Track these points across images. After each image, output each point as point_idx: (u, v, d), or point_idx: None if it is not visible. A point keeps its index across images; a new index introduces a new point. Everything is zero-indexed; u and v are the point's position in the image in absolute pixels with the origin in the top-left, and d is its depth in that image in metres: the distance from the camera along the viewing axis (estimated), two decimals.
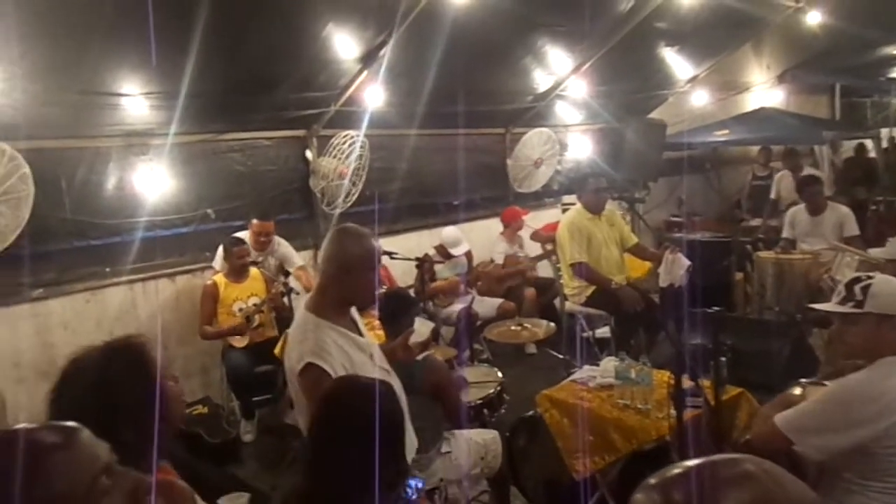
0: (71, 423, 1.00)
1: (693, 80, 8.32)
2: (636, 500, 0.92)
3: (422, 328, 2.69)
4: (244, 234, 5.15)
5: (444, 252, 6.17)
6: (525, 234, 6.92)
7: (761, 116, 8.98)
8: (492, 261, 6.50)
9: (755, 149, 9.86)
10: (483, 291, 6.32)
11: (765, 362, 4.57)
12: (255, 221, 5.14)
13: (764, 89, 9.90)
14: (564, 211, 6.54)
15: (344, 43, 4.85)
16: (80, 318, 4.61)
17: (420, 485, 2.00)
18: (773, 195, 8.11)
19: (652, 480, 0.94)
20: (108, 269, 4.71)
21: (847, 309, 2.30)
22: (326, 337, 2.40)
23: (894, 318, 2.24)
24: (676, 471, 0.94)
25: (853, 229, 5.80)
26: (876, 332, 2.27)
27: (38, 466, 0.92)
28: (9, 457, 0.92)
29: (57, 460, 0.94)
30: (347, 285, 2.47)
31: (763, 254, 5.95)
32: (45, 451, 0.94)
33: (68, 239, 4.51)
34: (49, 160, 4.30)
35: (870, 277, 2.31)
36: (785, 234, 6.16)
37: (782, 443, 2.26)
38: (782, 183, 8.02)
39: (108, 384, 1.54)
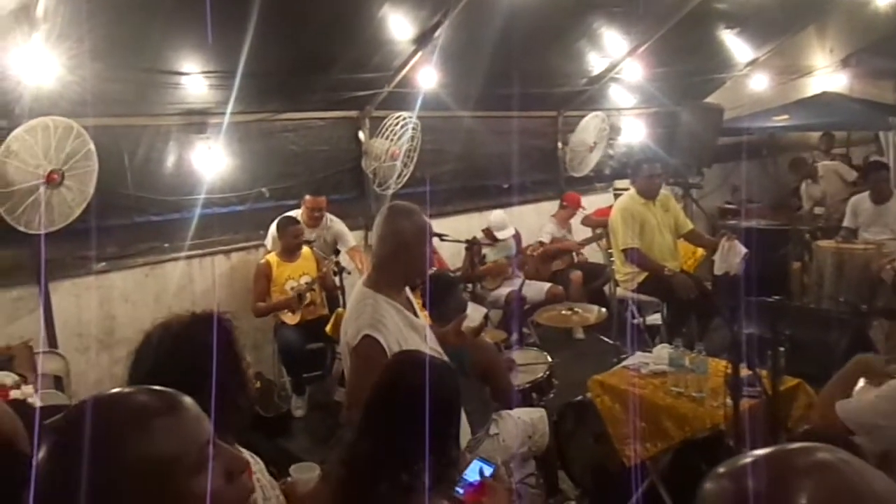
0: (175, 391, 1.00)
1: (752, 63, 8.08)
2: (707, 489, 0.90)
3: (475, 314, 2.69)
4: (297, 213, 5.23)
5: (491, 235, 6.16)
6: (576, 219, 6.86)
7: (823, 101, 8.67)
8: (541, 243, 6.46)
9: (815, 135, 9.55)
10: (529, 275, 6.29)
11: (822, 353, 4.45)
12: (308, 197, 5.22)
13: (827, 73, 9.56)
14: (617, 196, 6.45)
15: (399, 24, 4.85)
16: (140, 292, 4.75)
17: (493, 470, 1.99)
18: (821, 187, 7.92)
19: (722, 469, 0.92)
20: (166, 245, 4.84)
21: None
22: (384, 311, 2.43)
23: None
24: (747, 459, 0.91)
25: None
26: None
27: (153, 427, 0.92)
28: (122, 416, 0.93)
29: (171, 423, 0.94)
30: (402, 261, 2.50)
31: (822, 243, 5.79)
32: (159, 413, 0.95)
33: (130, 214, 4.65)
34: (113, 137, 4.43)
35: None
36: (846, 223, 5.97)
37: (842, 430, 2.23)
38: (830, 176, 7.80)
39: (193, 351, 1.56)
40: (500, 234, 6.09)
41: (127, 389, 1.00)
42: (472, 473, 1.99)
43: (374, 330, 2.36)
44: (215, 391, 1.24)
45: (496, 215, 6.21)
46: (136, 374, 1.60)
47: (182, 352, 1.57)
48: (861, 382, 2.48)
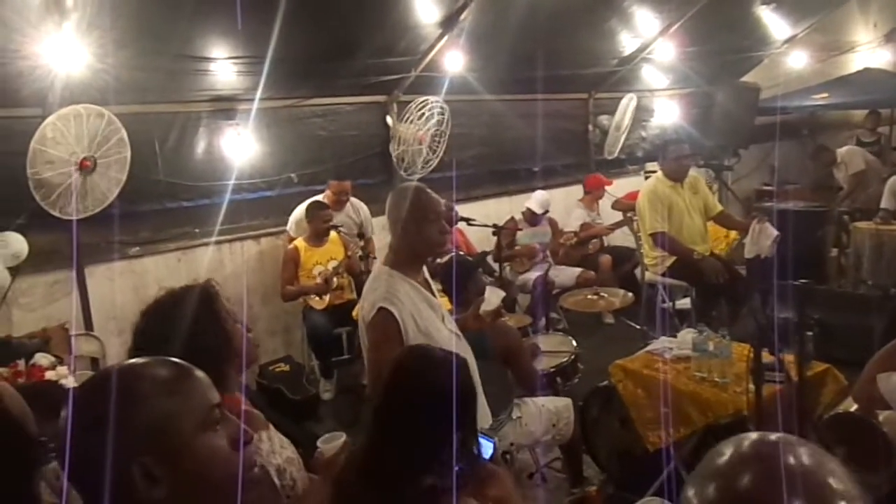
0: (186, 363, 1.11)
1: (791, 40, 7.86)
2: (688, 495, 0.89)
3: (492, 297, 2.69)
4: (321, 197, 5.29)
5: (530, 218, 6.13)
6: (606, 202, 6.78)
7: (866, 79, 8.37)
8: (574, 233, 6.41)
9: (857, 113, 9.23)
10: (560, 260, 6.26)
11: (858, 338, 4.35)
12: (333, 182, 5.28)
13: (870, 49, 9.23)
14: (647, 178, 6.36)
15: (425, 7, 4.83)
16: (172, 276, 4.83)
17: (494, 443, 2.00)
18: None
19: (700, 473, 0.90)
20: (197, 230, 4.92)
21: None
22: (399, 286, 2.47)
23: None
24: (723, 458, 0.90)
25: None
26: None
27: (164, 386, 1.05)
28: (138, 378, 1.05)
29: (180, 384, 1.07)
30: (412, 238, 2.54)
31: (861, 224, 5.64)
32: (170, 376, 1.07)
33: (161, 200, 4.74)
34: (143, 124, 4.50)
35: None
36: (884, 204, 5.80)
37: (884, 406, 2.19)
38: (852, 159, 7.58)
39: (182, 318, 1.69)
40: (538, 210, 6.07)
41: (143, 359, 1.12)
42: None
43: (389, 303, 2.40)
44: (200, 352, 1.32)
45: (539, 195, 6.17)
46: (139, 341, 1.73)
47: (166, 321, 1.70)
48: None
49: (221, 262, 5.07)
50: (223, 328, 1.76)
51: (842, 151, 7.69)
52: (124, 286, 4.66)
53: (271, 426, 1.92)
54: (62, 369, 3.46)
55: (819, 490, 0.83)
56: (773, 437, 0.91)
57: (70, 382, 3.27)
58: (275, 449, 1.85)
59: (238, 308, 1.89)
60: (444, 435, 1.71)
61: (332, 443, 2.02)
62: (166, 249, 4.83)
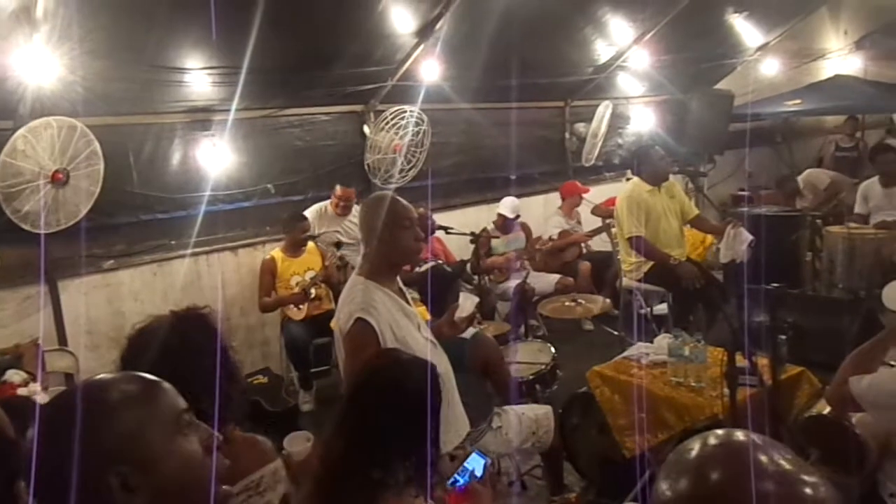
0: (150, 376, 1.12)
1: (763, 47, 7.99)
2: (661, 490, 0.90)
3: (466, 303, 2.69)
4: (326, 203, 5.37)
5: (502, 226, 6.14)
6: (584, 209, 6.82)
7: (837, 85, 8.52)
8: (550, 238, 6.43)
9: (830, 119, 9.39)
10: (538, 267, 6.28)
11: (832, 341, 4.40)
12: (338, 188, 5.34)
13: (840, 56, 9.40)
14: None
15: (400, 17, 4.84)
16: (148, 289, 4.80)
17: (487, 463, 2.00)
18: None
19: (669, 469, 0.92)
20: (173, 242, 4.88)
21: None
22: (375, 296, 2.48)
23: None
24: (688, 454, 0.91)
25: None
26: None
27: (137, 395, 1.07)
28: (105, 393, 1.05)
29: (147, 393, 1.08)
30: (387, 247, 2.55)
31: (833, 228, 5.71)
32: (142, 385, 1.09)
33: (136, 212, 4.69)
34: (117, 136, 4.47)
35: None
36: (857, 209, 5.88)
37: (855, 408, 2.24)
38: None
39: (176, 351, 1.61)
40: (509, 214, 6.09)
41: (107, 374, 1.13)
42: (471, 463, 2.00)
43: (366, 313, 2.40)
44: (206, 388, 1.30)
45: (509, 200, 6.19)
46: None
47: (163, 353, 1.60)
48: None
49: (198, 275, 5.03)
50: (228, 360, 1.72)
51: (803, 177, 7.80)
52: (98, 300, 4.62)
53: (279, 459, 1.90)
54: (35, 386, 3.40)
55: (788, 480, 0.85)
56: (741, 433, 0.93)
57: (42, 398, 3.22)
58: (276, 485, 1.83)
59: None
60: (406, 438, 1.74)
61: (297, 445, 2.02)
62: (141, 262, 4.78)
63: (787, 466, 0.87)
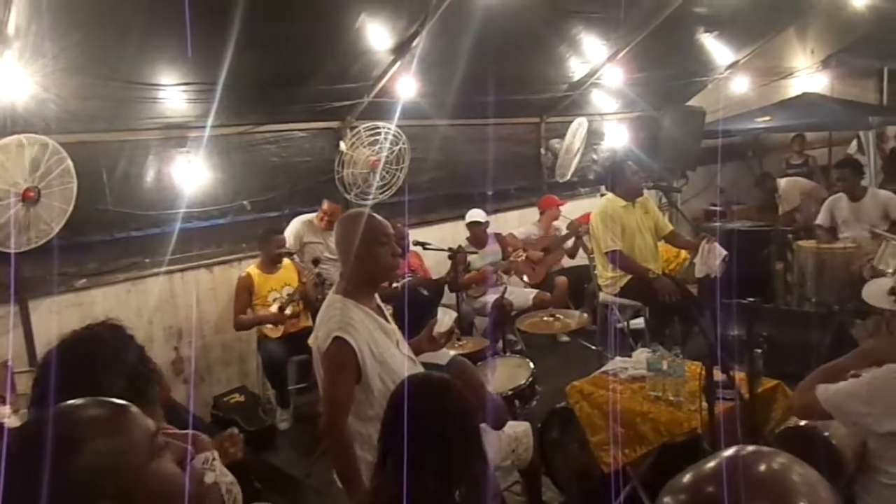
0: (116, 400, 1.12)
1: (733, 66, 8.14)
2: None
3: (444, 318, 2.69)
4: (312, 216, 5.38)
5: (476, 241, 6.16)
6: (561, 224, 6.87)
7: (804, 102, 8.73)
8: (522, 250, 6.46)
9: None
10: (528, 274, 6.32)
11: (805, 354, 4.47)
12: (325, 203, 5.35)
13: (808, 74, 9.64)
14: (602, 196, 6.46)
15: (377, 34, 4.86)
16: (121, 308, 4.72)
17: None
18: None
19: (678, 484, 0.92)
20: (147, 260, 4.81)
21: (879, 301, 2.26)
22: (353, 314, 2.46)
23: None
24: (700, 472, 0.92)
25: None
26: None
27: (108, 424, 1.06)
28: (77, 423, 1.04)
29: (127, 417, 1.08)
30: (364, 263, 2.55)
31: (803, 243, 5.82)
32: (115, 412, 1.08)
33: (109, 230, 4.63)
34: (90, 153, 4.41)
35: None
36: (820, 220, 6.00)
37: (820, 414, 2.25)
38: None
39: (81, 368, 1.61)
40: (482, 219, 6.11)
41: (73, 403, 1.10)
42: None
43: (344, 332, 2.38)
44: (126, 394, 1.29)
45: (473, 211, 6.22)
46: (35, 393, 1.65)
47: (71, 368, 1.60)
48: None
49: (172, 293, 4.97)
50: (136, 371, 1.70)
51: (781, 183, 7.98)
52: (70, 320, 4.51)
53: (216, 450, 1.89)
54: (4, 409, 3.31)
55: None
56: (749, 448, 0.95)
57: (12, 422, 3.14)
58: (223, 470, 1.82)
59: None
60: (468, 454, 1.77)
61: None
62: (115, 280, 4.70)
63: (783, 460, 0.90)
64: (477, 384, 3.39)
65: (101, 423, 1.05)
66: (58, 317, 4.46)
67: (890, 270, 4.61)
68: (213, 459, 1.74)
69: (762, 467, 0.89)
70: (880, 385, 2.19)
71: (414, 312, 3.23)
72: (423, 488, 1.70)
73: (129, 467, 1.03)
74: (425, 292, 3.97)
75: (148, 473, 1.05)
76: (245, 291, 4.95)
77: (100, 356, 1.64)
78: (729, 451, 0.94)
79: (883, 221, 5.57)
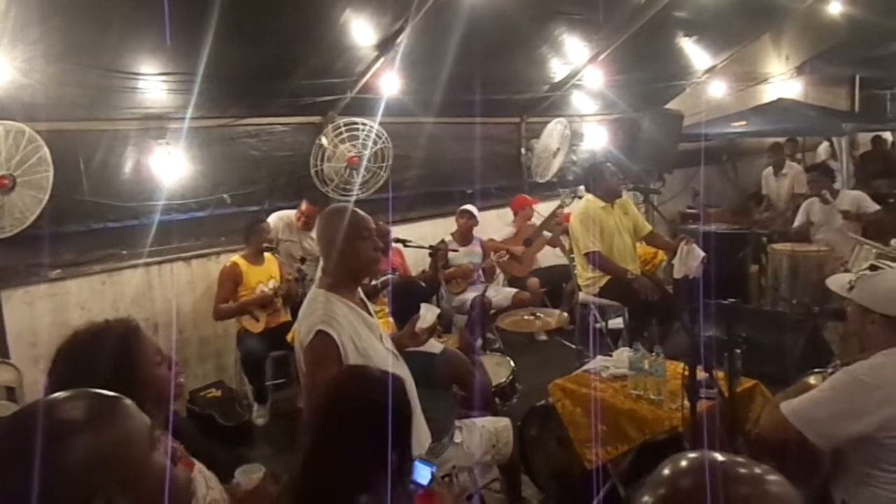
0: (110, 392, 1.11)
1: (711, 70, 8.25)
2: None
3: (427, 314, 2.68)
4: (291, 213, 5.33)
5: (461, 238, 6.17)
6: (536, 223, 6.89)
7: (780, 107, 8.89)
8: (506, 251, 6.48)
9: (772, 141, 9.77)
10: (511, 271, 6.34)
11: (779, 355, 4.56)
12: (305, 204, 5.29)
13: (782, 80, 9.80)
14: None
15: (361, 30, 4.84)
16: (96, 300, 4.65)
17: (433, 470, 2.01)
18: (763, 191, 8.12)
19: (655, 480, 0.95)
20: (124, 252, 4.75)
21: (840, 291, 2.31)
22: (336, 308, 2.44)
23: (873, 313, 2.23)
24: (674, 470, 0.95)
25: (873, 205, 5.73)
26: (860, 322, 2.27)
27: (111, 414, 1.06)
28: (75, 415, 1.03)
29: (120, 413, 1.07)
30: (346, 258, 2.53)
31: (778, 246, 5.92)
32: (116, 403, 1.08)
33: (86, 221, 4.56)
34: (68, 142, 4.34)
35: (877, 269, 2.30)
36: (796, 223, 6.11)
37: (791, 433, 2.24)
38: (768, 178, 8.04)
39: (96, 366, 1.59)
40: (476, 212, 6.16)
41: (71, 394, 1.09)
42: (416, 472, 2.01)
43: (327, 326, 2.37)
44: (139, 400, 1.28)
45: (470, 206, 6.26)
46: (51, 383, 1.62)
47: (81, 364, 1.60)
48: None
49: (149, 285, 4.90)
50: (144, 373, 1.69)
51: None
52: (44, 311, 4.45)
53: (197, 464, 1.86)
54: None
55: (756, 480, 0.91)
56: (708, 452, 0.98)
57: None
58: (203, 490, 1.79)
59: (167, 332, 1.83)
60: (379, 455, 1.71)
61: (250, 474, 1.99)
62: (90, 272, 4.63)
63: (756, 470, 0.94)
64: (468, 373, 3.41)
65: (109, 414, 1.05)
66: (30, 308, 4.40)
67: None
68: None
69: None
70: (842, 389, 2.23)
71: (407, 303, 3.23)
72: (325, 485, 1.71)
73: (133, 456, 1.03)
74: (423, 284, 3.96)
75: (149, 463, 1.06)
76: (231, 281, 4.88)
77: (101, 359, 1.62)
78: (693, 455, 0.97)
79: (857, 219, 5.69)
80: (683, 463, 0.96)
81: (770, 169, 8.19)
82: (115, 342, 1.68)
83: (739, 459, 0.95)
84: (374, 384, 1.86)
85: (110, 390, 1.44)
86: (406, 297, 3.55)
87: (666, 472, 0.95)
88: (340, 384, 1.92)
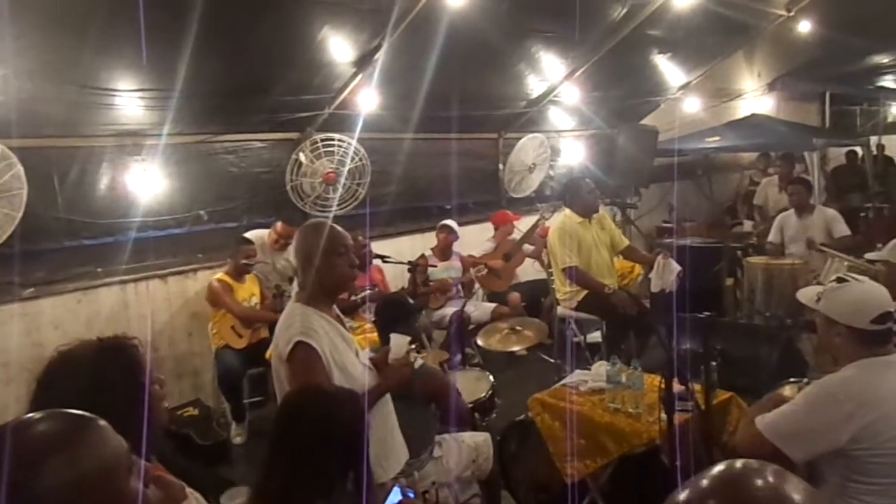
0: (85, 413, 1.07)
1: (685, 87, 8.38)
2: None
3: (398, 343, 2.64)
4: (266, 232, 5.28)
5: (441, 251, 6.18)
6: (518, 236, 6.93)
7: (752, 123, 9.03)
8: (484, 265, 6.50)
9: (746, 156, 9.91)
10: (492, 286, 6.35)
11: (754, 367, 4.61)
12: (279, 224, 5.25)
13: (755, 97, 9.98)
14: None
15: (339, 46, 4.87)
16: (70, 318, 4.59)
17: (411, 494, 2.04)
18: (756, 201, 8.22)
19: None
20: (99, 270, 4.70)
21: (809, 303, 2.34)
22: (313, 320, 2.46)
23: (839, 324, 2.25)
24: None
25: (843, 230, 5.80)
26: (827, 334, 2.30)
27: (85, 443, 1.01)
28: (49, 439, 1.00)
29: (98, 436, 1.03)
30: (322, 273, 2.53)
31: (752, 259, 5.98)
32: (86, 426, 1.04)
33: (60, 238, 4.50)
34: (42, 159, 4.30)
35: (844, 280, 2.32)
36: (771, 238, 6.19)
37: (766, 447, 2.24)
38: (768, 189, 8.11)
39: (98, 384, 1.53)
40: (456, 227, 6.18)
41: (43, 413, 1.05)
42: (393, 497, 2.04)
43: (307, 336, 2.38)
44: (122, 419, 1.24)
45: (450, 221, 6.29)
46: (41, 402, 1.52)
47: (84, 385, 1.52)
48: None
49: (125, 304, 4.85)
50: (139, 393, 1.61)
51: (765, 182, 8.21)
52: (15, 330, 4.38)
53: (189, 493, 1.83)
54: None
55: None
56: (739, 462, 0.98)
57: None
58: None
59: (141, 349, 1.77)
60: (329, 467, 1.80)
61: (234, 500, 2.00)
62: (65, 290, 4.57)
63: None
64: (445, 388, 3.41)
65: (90, 436, 1.02)
66: (2, 327, 4.34)
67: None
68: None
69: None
70: (814, 403, 2.24)
71: (398, 319, 3.23)
72: (311, 496, 1.78)
73: (113, 482, 1.01)
74: (411, 301, 3.96)
75: (128, 489, 1.03)
76: (228, 293, 4.88)
77: (100, 383, 1.54)
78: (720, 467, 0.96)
79: (826, 237, 5.77)
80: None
81: (774, 178, 8.20)
82: (125, 358, 1.62)
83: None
84: (324, 400, 1.94)
85: (118, 410, 1.35)
86: (394, 313, 3.55)
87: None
88: (292, 399, 2.02)
